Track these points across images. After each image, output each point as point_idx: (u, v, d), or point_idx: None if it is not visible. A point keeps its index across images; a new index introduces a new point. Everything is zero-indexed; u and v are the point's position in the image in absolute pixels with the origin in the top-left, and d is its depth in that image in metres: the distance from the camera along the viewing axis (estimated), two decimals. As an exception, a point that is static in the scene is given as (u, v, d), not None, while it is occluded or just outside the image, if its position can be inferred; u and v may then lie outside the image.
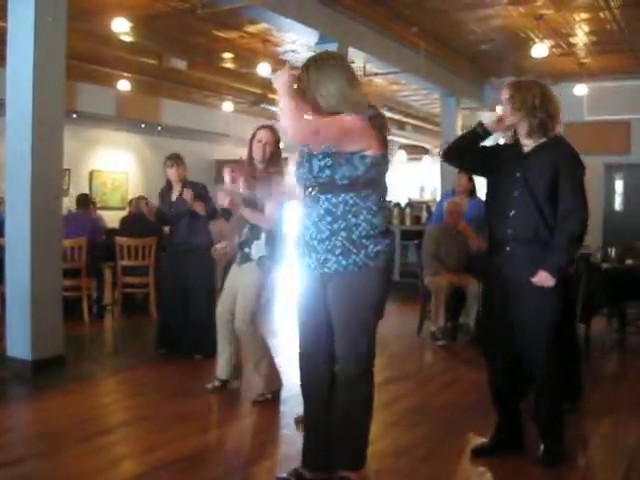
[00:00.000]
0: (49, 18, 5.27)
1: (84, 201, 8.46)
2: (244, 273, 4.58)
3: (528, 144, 3.50)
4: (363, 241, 2.95)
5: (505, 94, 3.49)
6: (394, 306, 9.37)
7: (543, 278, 3.36)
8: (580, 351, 4.83)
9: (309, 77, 2.97)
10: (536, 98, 3.40)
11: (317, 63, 3.00)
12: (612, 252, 7.23)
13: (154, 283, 7.67)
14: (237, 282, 4.64)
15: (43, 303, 5.34)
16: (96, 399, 4.86)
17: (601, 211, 12.74)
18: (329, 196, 2.97)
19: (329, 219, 2.96)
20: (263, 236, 4.49)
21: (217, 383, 4.84)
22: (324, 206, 2.98)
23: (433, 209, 10.51)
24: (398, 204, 12.52)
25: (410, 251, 11.31)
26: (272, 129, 4.58)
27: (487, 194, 3.70)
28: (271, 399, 4.59)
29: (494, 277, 3.60)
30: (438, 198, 11.65)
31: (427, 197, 20.90)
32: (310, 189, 3.04)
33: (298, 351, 3.20)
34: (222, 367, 4.86)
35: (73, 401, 4.64)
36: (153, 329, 6.54)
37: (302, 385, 3.21)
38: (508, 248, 3.48)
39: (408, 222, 11.76)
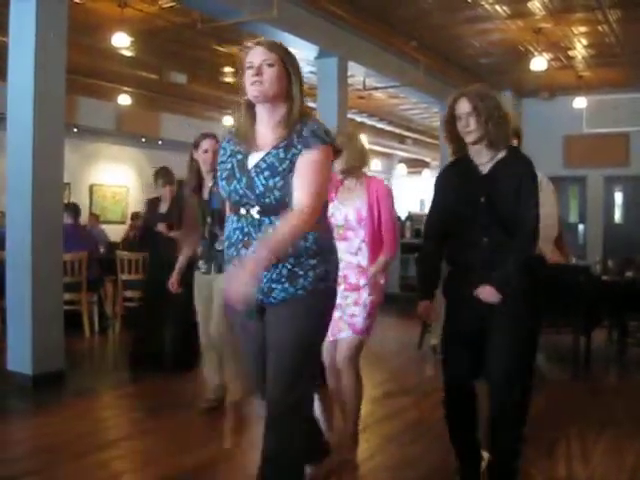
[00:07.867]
0: (50, 33, 5.31)
1: (74, 210, 7.82)
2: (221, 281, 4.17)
3: (483, 161, 3.16)
4: (310, 261, 2.55)
5: (466, 107, 3.10)
6: (394, 319, 9.36)
7: (487, 293, 3.05)
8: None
9: None
10: (498, 109, 3.10)
11: None
12: (612, 264, 7.24)
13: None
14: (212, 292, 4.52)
15: (44, 317, 5.33)
16: (96, 414, 4.84)
17: (601, 223, 12.77)
18: (274, 218, 2.49)
19: None
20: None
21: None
22: (270, 231, 2.46)
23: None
24: (398, 217, 12.51)
25: (410, 264, 11.31)
26: (215, 137, 4.48)
27: (441, 218, 3.40)
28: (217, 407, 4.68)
29: (462, 305, 3.21)
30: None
31: (427, 210, 20.95)
32: (247, 208, 2.54)
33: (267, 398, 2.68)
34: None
35: (72, 416, 4.63)
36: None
37: None
38: (478, 276, 3.09)
39: (408, 235, 11.76)
